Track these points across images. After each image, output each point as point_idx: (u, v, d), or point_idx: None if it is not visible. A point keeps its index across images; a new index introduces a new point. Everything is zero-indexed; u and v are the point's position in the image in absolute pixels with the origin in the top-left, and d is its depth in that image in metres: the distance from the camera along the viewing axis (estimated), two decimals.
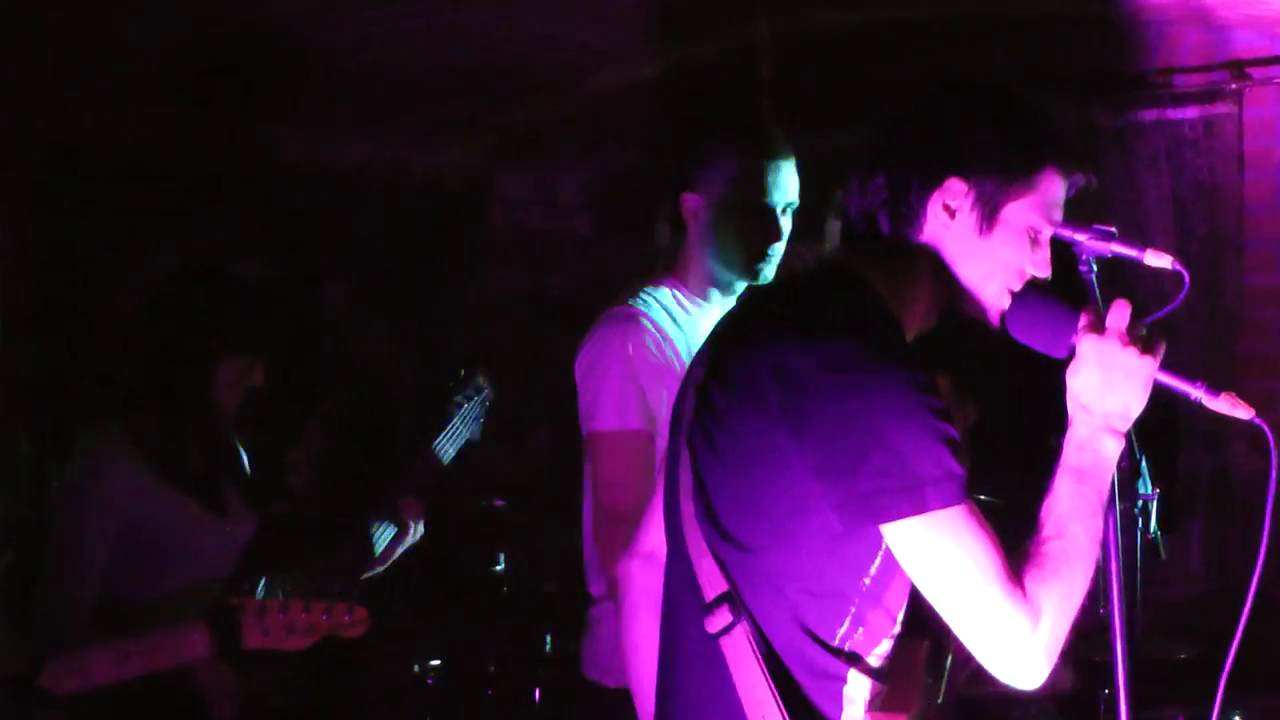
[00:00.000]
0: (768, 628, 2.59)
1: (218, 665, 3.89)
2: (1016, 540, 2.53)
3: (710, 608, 2.60)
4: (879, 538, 2.51)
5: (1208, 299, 6.23)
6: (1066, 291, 2.73)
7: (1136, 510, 2.86)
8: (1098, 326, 2.59)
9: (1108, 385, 2.57)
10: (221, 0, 5.22)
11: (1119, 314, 2.59)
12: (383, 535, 4.36)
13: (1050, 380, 2.68)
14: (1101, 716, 4.77)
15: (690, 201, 4.06)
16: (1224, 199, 6.30)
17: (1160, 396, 2.65)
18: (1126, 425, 2.59)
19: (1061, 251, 2.77)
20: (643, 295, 4.07)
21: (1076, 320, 2.63)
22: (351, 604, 3.89)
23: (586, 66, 6.46)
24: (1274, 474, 2.55)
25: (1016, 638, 2.45)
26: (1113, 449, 2.59)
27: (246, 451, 4.43)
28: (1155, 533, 2.93)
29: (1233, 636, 2.60)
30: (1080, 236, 2.72)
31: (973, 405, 3.41)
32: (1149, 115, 6.37)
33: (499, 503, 6.39)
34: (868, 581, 2.58)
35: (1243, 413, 2.56)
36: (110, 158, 6.11)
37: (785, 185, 4.06)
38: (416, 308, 7.43)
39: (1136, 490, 2.88)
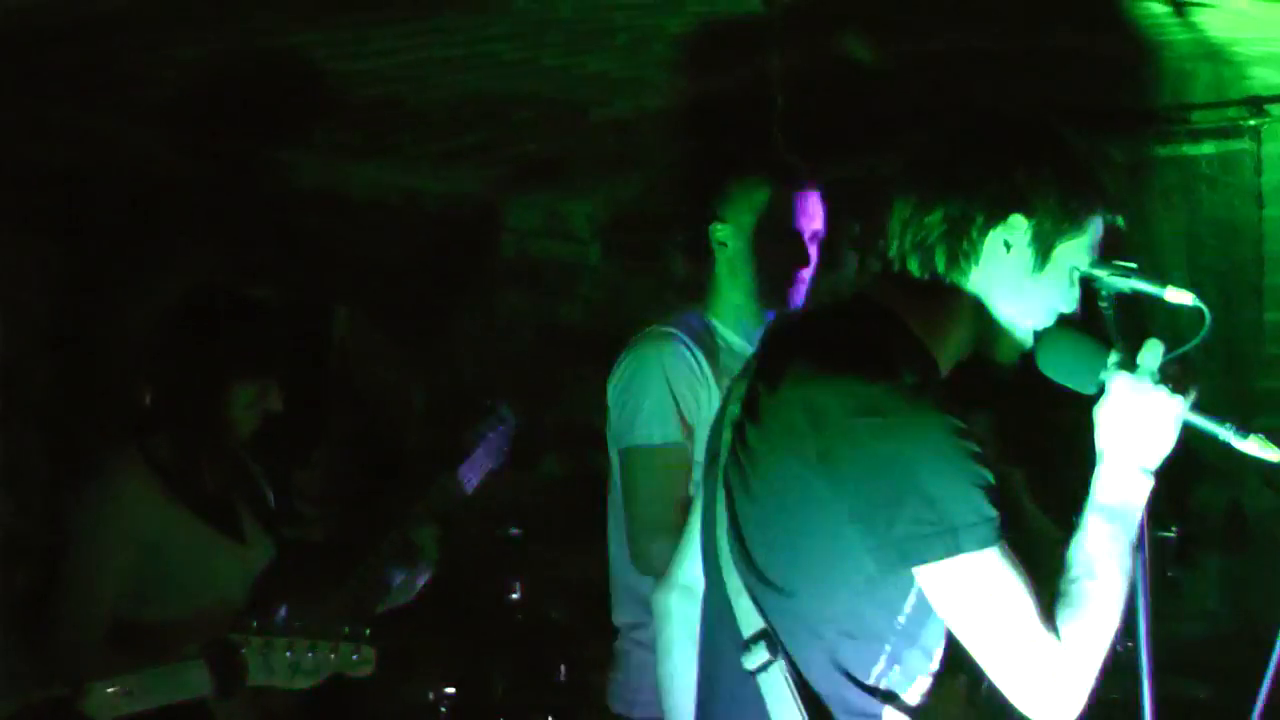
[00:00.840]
0: (804, 666, 2.59)
1: (220, 703, 3.81)
2: (1045, 577, 2.53)
3: (748, 645, 2.61)
4: (911, 578, 2.51)
5: (1224, 335, 6.21)
6: (1087, 325, 2.73)
7: (1154, 547, 2.86)
8: (1129, 365, 2.59)
9: (1138, 424, 2.56)
10: (238, 29, 5.22)
11: (1152, 353, 2.59)
12: (399, 573, 4.33)
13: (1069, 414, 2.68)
14: None
15: (719, 232, 4.08)
16: (1241, 235, 6.29)
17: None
18: (1156, 464, 2.59)
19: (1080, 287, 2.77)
20: (674, 320, 4.09)
21: (1106, 357, 2.63)
22: (359, 644, 3.86)
23: (597, 97, 6.46)
24: None
25: (1048, 677, 2.45)
26: (1142, 487, 2.58)
27: (263, 476, 4.42)
28: (1172, 570, 2.93)
29: (1255, 675, 2.60)
30: (1102, 272, 2.73)
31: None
32: (1164, 151, 6.37)
33: (515, 531, 6.38)
34: (902, 620, 2.58)
35: (1272, 455, 2.55)
36: (125, 182, 6.11)
37: (812, 213, 4.08)
38: (428, 335, 7.42)
39: (1153, 528, 2.87)
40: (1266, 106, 6.24)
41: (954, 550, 2.44)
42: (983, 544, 2.44)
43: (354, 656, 3.84)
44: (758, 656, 2.60)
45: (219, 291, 4.31)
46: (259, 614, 4.03)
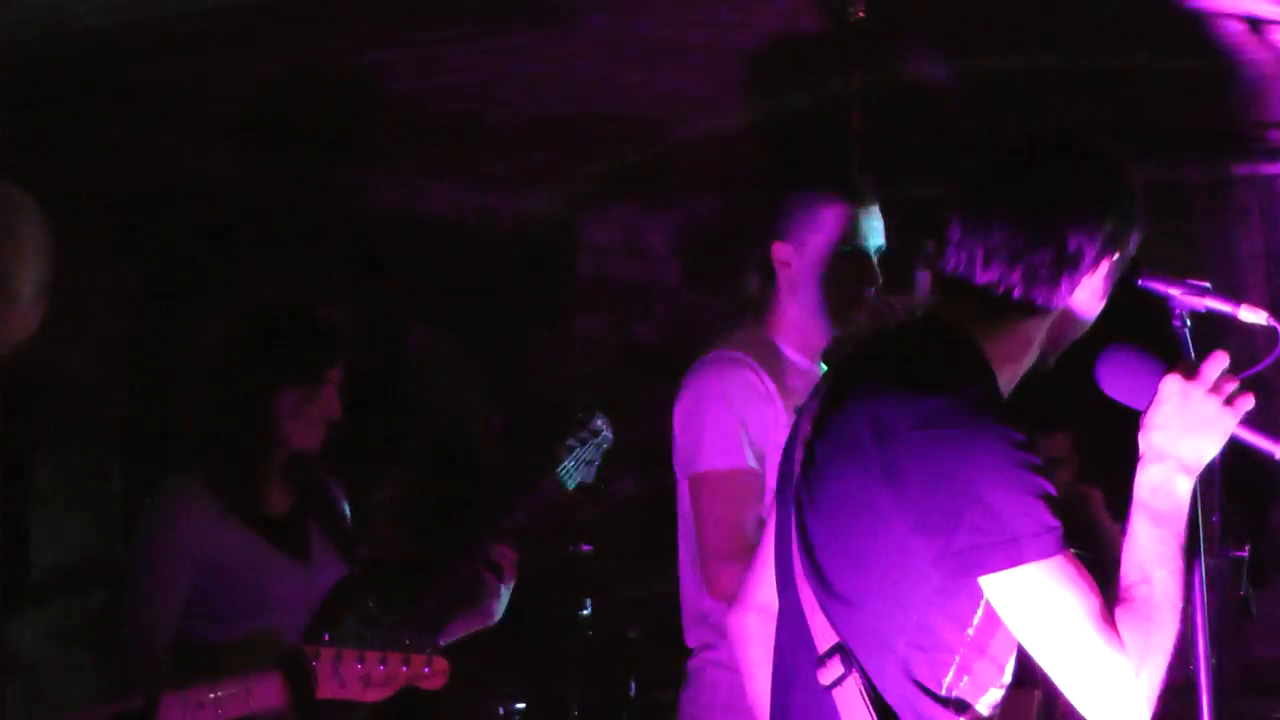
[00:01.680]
0: (877, 679, 2.60)
1: (292, 715, 3.76)
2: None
3: (822, 660, 2.63)
4: (979, 590, 2.51)
5: None
6: (1155, 346, 2.72)
7: (1227, 567, 2.85)
8: (1190, 372, 2.58)
9: (1186, 428, 2.57)
10: (315, 48, 5.26)
11: (1215, 363, 2.58)
12: (476, 592, 4.33)
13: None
14: None
15: (781, 251, 4.08)
16: None
17: (1251, 454, 2.64)
18: (1199, 469, 2.58)
19: (1153, 305, 2.77)
20: (736, 340, 4.08)
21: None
22: (431, 655, 3.87)
23: (675, 115, 6.47)
24: None
25: (1118, 685, 2.45)
26: (1186, 489, 2.59)
27: (344, 496, 4.42)
28: (1245, 589, 2.91)
29: None
30: (1175, 291, 2.73)
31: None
32: (1242, 170, 6.33)
33: (586, 547, 6.38)
34: (971, 632, 2.59)
35: None
36: (202, 202, 6.17)
37: (876, 230, 4.07)
38: (503, 354, 7.44)
39: (1227, 547, 2.86)
40: None
41: (1016, 560, 2.44)
42: (1045, 554, 2.45)
43: (425, 669, 3.83)
44: (833, 671, 2.61)
45: (281, 308, 4.33)
46: (330, 627, 4.05)
